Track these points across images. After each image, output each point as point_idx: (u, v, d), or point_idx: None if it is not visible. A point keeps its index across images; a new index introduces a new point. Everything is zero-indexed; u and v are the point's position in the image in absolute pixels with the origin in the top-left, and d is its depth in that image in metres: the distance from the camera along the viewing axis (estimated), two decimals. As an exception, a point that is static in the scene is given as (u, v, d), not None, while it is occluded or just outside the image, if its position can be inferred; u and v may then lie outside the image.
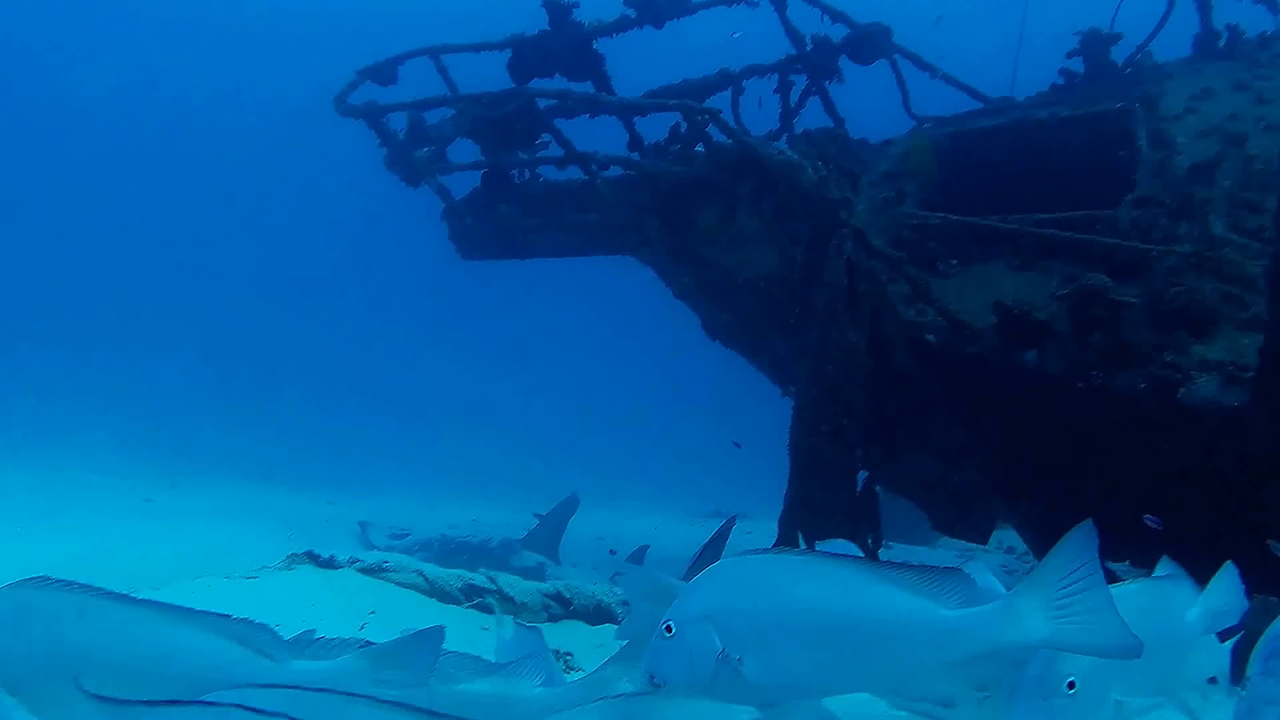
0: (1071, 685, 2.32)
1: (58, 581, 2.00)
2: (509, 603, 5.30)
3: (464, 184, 8.63)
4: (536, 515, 9.45)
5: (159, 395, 19.71)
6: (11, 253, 31.73)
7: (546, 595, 5.45)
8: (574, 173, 7.95)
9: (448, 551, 8.68)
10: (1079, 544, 2.08)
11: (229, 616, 2.01)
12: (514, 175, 8.32)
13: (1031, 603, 2.09)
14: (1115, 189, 6.11)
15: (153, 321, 29.70)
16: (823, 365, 6.20)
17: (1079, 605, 2.08)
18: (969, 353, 5.89)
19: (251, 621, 1.99)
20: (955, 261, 6.40)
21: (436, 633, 2.19)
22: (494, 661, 2.49)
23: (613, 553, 9.06)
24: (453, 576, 5.46)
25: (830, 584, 2.17)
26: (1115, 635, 2.07)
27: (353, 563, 5.58)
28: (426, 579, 5.40)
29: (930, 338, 6.04)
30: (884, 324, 6.14)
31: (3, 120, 35.68)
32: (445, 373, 31.25)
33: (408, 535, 10.11)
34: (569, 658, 4.73)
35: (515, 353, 33.80)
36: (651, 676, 2.22)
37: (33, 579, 2.01)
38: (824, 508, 6.04)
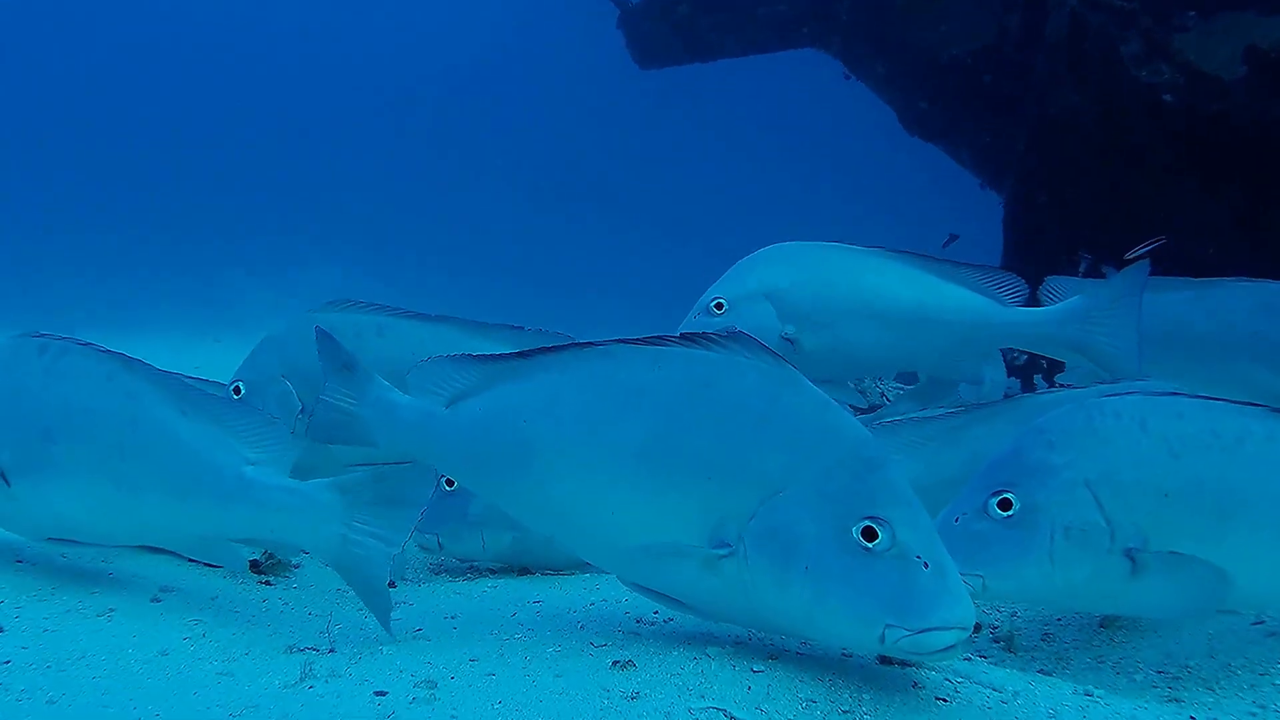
0: None
1: (356, 302, 2.11)
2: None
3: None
4: None
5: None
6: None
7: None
8: (756, -40, 7.53)
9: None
10: (1131, 278, 2.42)
11: (523, 327, 2.01)
12: (692, -30, 7.94)
13: (1076, 312, 2.41)
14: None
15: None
16: (1041, 135, 5.78)
17: (1109, 324, 2.37)
18: (1214, 110, 5.37)
19: (545, 330, 1.97)
20: (1193, 13, 5.80)
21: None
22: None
23: None
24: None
25: (891, 271, 2.33)
26: (1124, 358, 2.39)
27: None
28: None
29: (1168, 98, 5.52)
30: (1113, 87, 5.63)
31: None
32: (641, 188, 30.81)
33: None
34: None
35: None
36: None
37: (333, 301, 2.12)
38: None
